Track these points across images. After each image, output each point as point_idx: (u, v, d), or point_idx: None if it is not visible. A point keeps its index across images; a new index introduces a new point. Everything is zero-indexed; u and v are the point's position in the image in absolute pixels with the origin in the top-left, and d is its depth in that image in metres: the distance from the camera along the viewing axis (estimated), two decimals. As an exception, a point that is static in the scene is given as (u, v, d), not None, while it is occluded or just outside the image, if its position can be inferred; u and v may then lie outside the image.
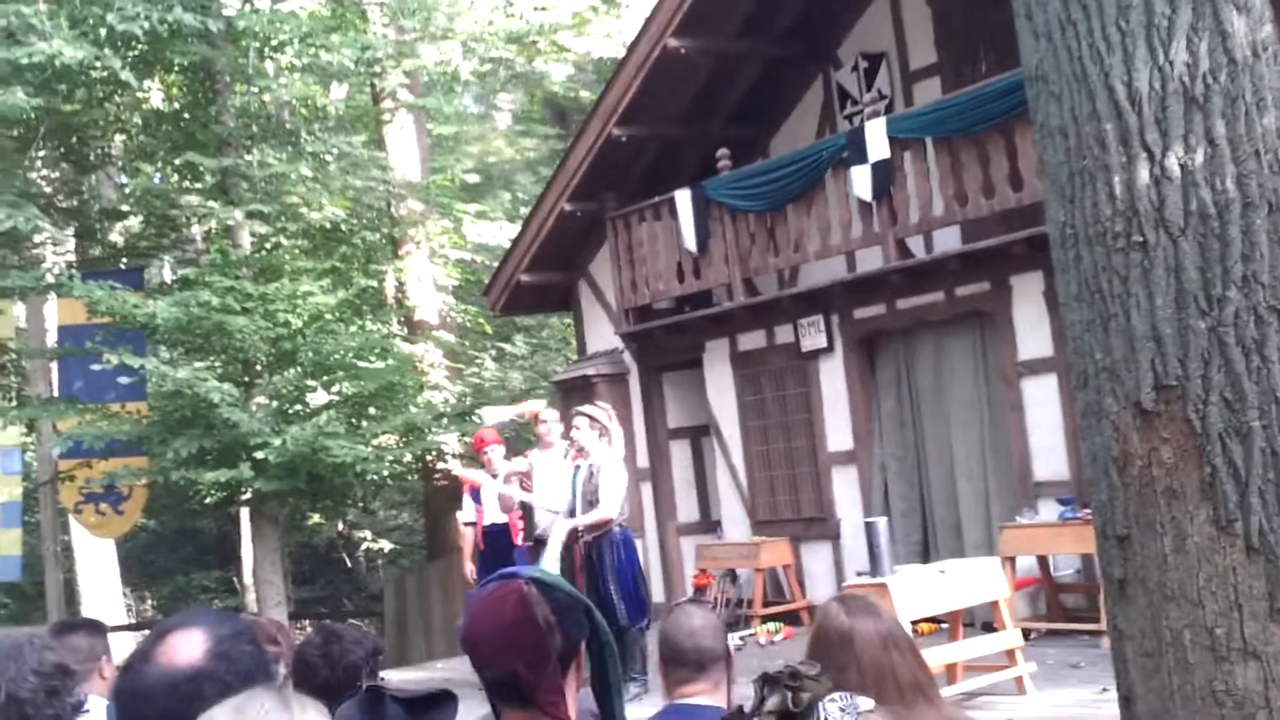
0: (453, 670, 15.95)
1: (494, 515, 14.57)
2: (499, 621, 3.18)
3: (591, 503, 13.14)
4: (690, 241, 16.87)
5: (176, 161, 20.45)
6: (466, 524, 15.00)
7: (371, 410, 20.85)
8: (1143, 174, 4.27)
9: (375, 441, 20.29)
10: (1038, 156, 4.71)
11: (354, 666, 5.24)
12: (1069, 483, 13.71)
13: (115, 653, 5.82)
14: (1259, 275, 4.20)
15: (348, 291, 20.54)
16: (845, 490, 16.26)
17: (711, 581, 17.16)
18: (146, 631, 3.32)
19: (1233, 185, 4.22)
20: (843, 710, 2.39)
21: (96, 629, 6.08)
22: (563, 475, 13.56)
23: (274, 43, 20.42)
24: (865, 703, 2.42)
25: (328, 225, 21.36)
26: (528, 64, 28.49)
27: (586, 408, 14.06)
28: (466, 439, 22.16)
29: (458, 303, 26.52)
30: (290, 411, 19.82)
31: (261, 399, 19.79)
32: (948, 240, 15.26)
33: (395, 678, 15.70)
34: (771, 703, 2.43)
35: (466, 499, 15.00)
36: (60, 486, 22.74)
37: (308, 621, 26.08)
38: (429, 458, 23.50)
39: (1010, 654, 11.39)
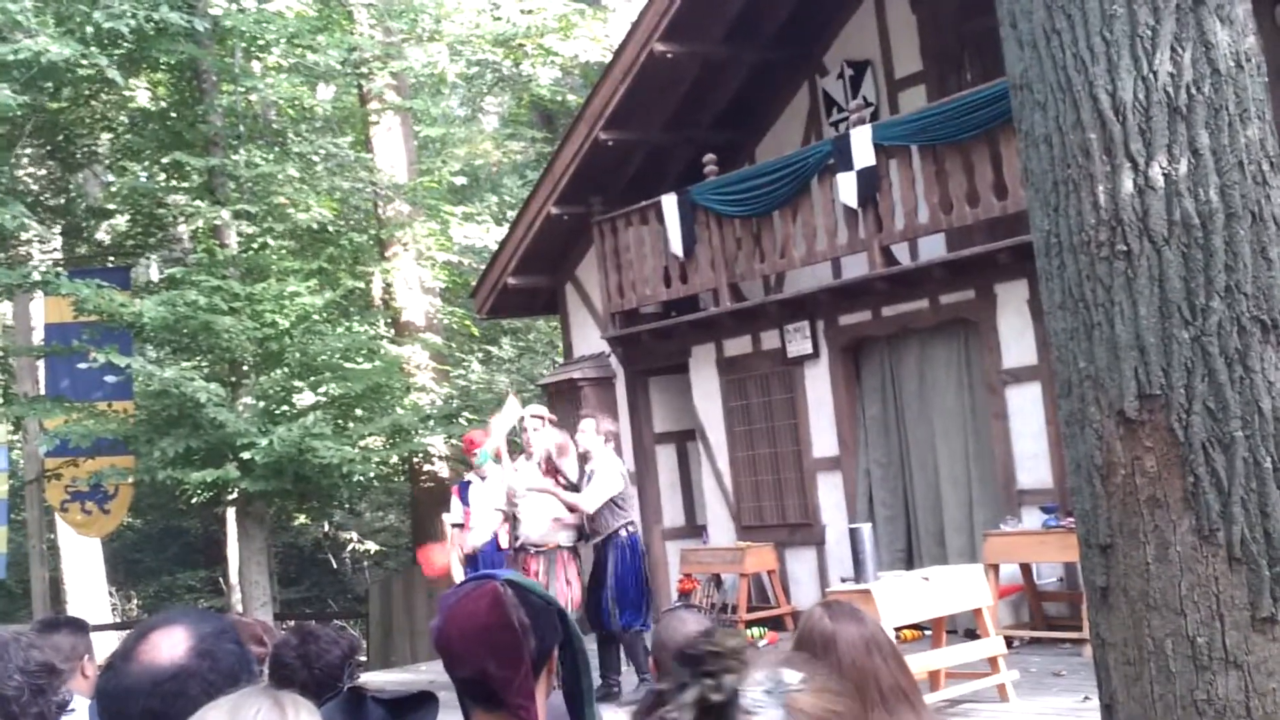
0: (436, 673, 15.93)
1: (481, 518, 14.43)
2: (473, 622, 3.19)
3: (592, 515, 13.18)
4: (677, 246, 16.88)
5: (163, 160, 20.45)
6: (453, 525, 14.85)
7: (358, 411, 20.85)
8: (1127, 183, 4.29)
9: (362, 443, 20.28)
10: (1022, 165, 4.72)
11: (332, 666, 5.25)
12: (1052, 491, 13.73)
13: (99, 651, 5.82)
14: (1242, 285, 4.21)
15: (335, 292, 20.52)
16: (830, 496, 16.28)
17: (696, 586, 17.17)
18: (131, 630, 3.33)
19: (1216, 195, 4.23)
20: (768, 693, 2.08)
21: (79, 627, 6.08)
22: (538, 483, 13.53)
23: (261, 42, 20.42)
24: (792, 676, 2.10)
25: (315, 226, 21.35)
26: (514, 67, 28.45)
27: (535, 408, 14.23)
28: (453, 441, 22.17)
29: (444, 305, 26.49)
30: (277, 412, 19.81)
31: (248, 399, 19.79)
32: (933, 248, 15.27)
33: (379, 679, 15.69)
34: (689, 695, 2.13)
35: (454, 500, 14.85)
36: (46, 484, 22.73)
37: (293, 622, 26.07)
38: (415, 459, 23.50)
39: (993, 661, 11.41)
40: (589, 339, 19.43)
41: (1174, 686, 4.22)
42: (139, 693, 2.92)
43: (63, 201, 23.92)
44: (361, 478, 21.03)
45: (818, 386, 16.34)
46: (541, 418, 13.97)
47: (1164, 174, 4.26)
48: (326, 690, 4.57)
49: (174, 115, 21.36)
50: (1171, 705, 4.22)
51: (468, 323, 26.68)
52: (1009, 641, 12.41)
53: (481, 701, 3.20)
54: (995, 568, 13.32)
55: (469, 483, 14.55)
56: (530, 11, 25.67)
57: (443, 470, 24.10)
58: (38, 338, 24.83)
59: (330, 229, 22.24)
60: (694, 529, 18.49)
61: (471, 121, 32.22)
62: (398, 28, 23.88)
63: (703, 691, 2.10)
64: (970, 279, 14.54)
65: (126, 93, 21.53)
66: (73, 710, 4.19)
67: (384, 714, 3.28)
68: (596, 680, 9.12)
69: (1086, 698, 10.15)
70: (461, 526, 14.52)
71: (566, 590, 12.95)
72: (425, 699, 3.31)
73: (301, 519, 32.62)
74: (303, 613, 29.69)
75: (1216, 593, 4.18)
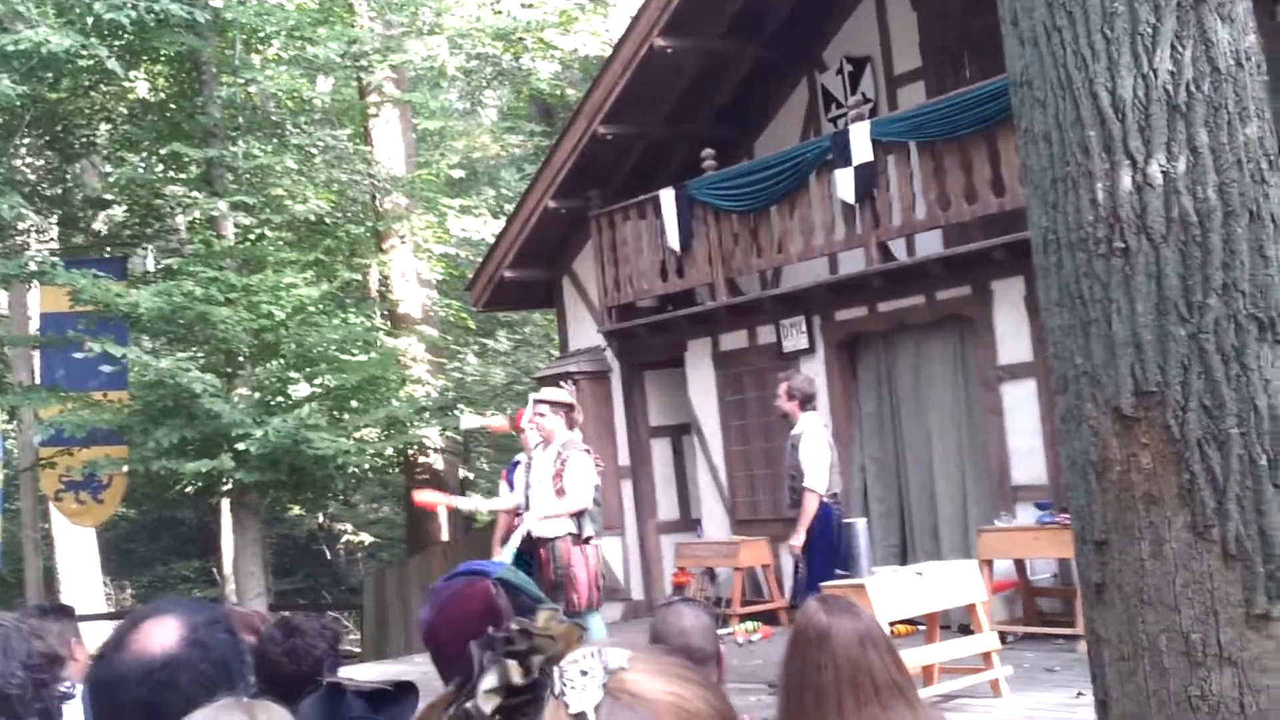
0: (431, 665, 15.88)
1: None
2: (463, 622, 3.17)
3: (795, 476, 12.60)
4: (674, 241, 16.87)
5: (161, 151, 20.47)
6: (505, 511, 13.94)
7: (353, 403, 20.88)
8: (1125, 181, 4.28)
9: (357, 434, 20.29)
10: (1021, 162, 4.73)
11: (318, 661, 5.24)
12: (1047, 487, 13.73)
13: (93, 641, 5.83)
14: (1239, 283, 4.21)
15: (331, 284, 20.54)
16: (825, 491, 16.27)
17: (690, 580, 17.17)
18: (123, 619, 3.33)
19: (1214, 193, 4.23)
20: (585, 673, 1.77)
21: (65, 613, 6.14)
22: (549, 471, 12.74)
23: (261, 35, 20.45)
24: (618, 655, 1.79)
25: (312, 218, 21.37)
26: (514, 61, 28.45)
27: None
28: (448, 433, 22.18)
29: (441, 297, 26.50)
30: (272, 403, 19.84)
31: (243, 390, 19.81)
32: (929, 244, 15.27)
33: (373, 671, 15.68)
34: (489, 680, 1.81)
35: (503, 485, 14.08)
36: (41, 474, 22.75)
37: (286, 614, 26.02)
38: (410, 452, 23.50)
39: (987, 657, 11.41)
40: (585, 332, 19.43)
41: (1168, 683, 4.22)
42: (130, 682, 2.91)
43: (60, 191, 23.94)
44: (356, 469, 21.08)
45: (813, 381, 16.33)
46: (549, 403, 12.63)
47: (1163, 172, 4.26)
48: (310, 684, 4.57)
49: (173, 106, 21.40)
50: (1165, 701, 4.22)
51: (464, 315, 26.68)
52: (1003, 637, 12.40)
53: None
54: (989, 563, 13.31)
55: (517, 463, 13.78)
56: (530, 5, 25.67)
57: (437, 463, 24.12)
58: (34, 327, 24.82)
59: (327, 221, 22.26)
60: (689, 523, 18.49)
61: (470, 115, 32.21)
62: (398, 21, 23.92)
63: (504, 672, 1.82)
64: (967, 275, 14.54)
65: (126, 84, 21.54)
66: (73, 698, 4.18)
67: (364, 706, 3.27)
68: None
69: (1080, 693, 10.14)
70: (516, 513, 13.59)
71: (574, 577, 12.55)
72: (405, 689, 3.30)
73: (296, 510, 32.61)
74: (297, 604, 29.64)
75: (1211, 589, 4.18)
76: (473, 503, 14.29)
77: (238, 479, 19.01)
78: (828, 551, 12.05)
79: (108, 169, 24.05)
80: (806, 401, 12.70)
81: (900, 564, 14.50)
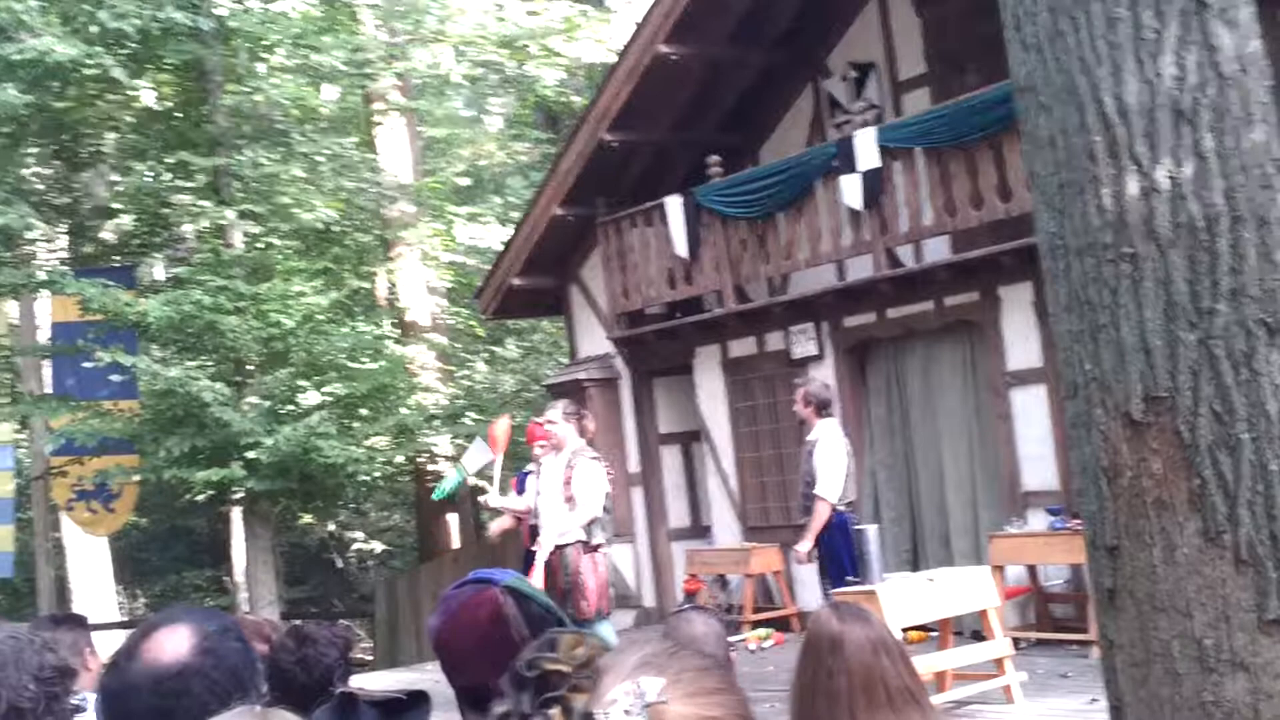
0: (442, 673, 15.83)
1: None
2: (472, 632, 3.17)
3: (809, 483, 12.63)
4: (681, 248, 16.87)
5: (168, 160, 20.47)
6: (513, 512, 13.94)
7: (363, 411, 20.88)
8: (1132, 186, 4.28)
9: (367, 442, 20.29)
10: (1027, 168, 4.72)
11: (330, 669, 5.24)
12: (1057, 493, 13.71)
13: (106, 650, 5.84)
14: (1247, 288, 4.20)
15: (339, 292, 20.56)
16: (835, 497, 16.25)
17: (701, 587, 17.15)
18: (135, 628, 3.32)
19: (1221, 199, 4.22)
20: (628, 712, 1.78)
21: (78, 622, 6.12)
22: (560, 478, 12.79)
23: (265, 43, 20.46)
24: (653, 685, 1.81)
25: (319, 226, 21.36)
26: (519, 68, 28.43)
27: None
28: (458, 441, 22.16)
29: (450, 305, 26.50)
30: (282, 411, 19.84)
31: (253, 399, 19.83)
32: (937, 250, 15.26)
33: (385, 679, 15.70)
34: None
35: (511, 493, 14.09)
36: (52, 483, 22.77)
37: (298, 622, 25.99)
38: (420, 459, 23.50)
39: (999, 663, 11.39)
40: (594, 340, 19.42)
41: (1181, 688, 4.21)
42: (142, 690, 2.92)
43: (68, 201, 23.96)
44: (366, 477, 21.07)
45: (830, 388, 16.31)
46: (563, 415, 12.72)
47: (1169, 177, 4.25)
48: (322, 692, 4.57)
49: (179, 115, 21.41)
50: (1179, 707, 4.21)
51: (473, 323, 26.69)
52: (1015, 643, 12.36)
53: (480, 708, 3.19)
54: (1001, 569, 13.30)
55: (528, 472, 13.90)
56: (535, 13, 25.66)
57: (447, 470, 24.11)
58: (44, 337, 24.86)
59: (335, 229, 22.26)
60: (699, 530, 18.47)
61: (476, 122, 32.20)
62: (402, 28, 23.92)
63: None
64: (974, 281, 14.53)
65: (131, 92, 21.56)
66: (84, 710, 4.18)
67: (377, 716, 3.27)
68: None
69: (1094, 699, 10.13)
70: (521, 519, 13.68)
71: (583, 584, 12.52)
72: (418, 698, 3.31)
73: (307, 518, 32.63)
74: (308, 612, 29.66)
75: (1223, 595, 4.17)
76: (498, 498, 14.10)
77: (248, 487, 19.04)
78: (850, 559, 11.96)
79: (115, 178, 24.09)
80: (823, 408, 12.74)
81: (911, 570, 14.49)
